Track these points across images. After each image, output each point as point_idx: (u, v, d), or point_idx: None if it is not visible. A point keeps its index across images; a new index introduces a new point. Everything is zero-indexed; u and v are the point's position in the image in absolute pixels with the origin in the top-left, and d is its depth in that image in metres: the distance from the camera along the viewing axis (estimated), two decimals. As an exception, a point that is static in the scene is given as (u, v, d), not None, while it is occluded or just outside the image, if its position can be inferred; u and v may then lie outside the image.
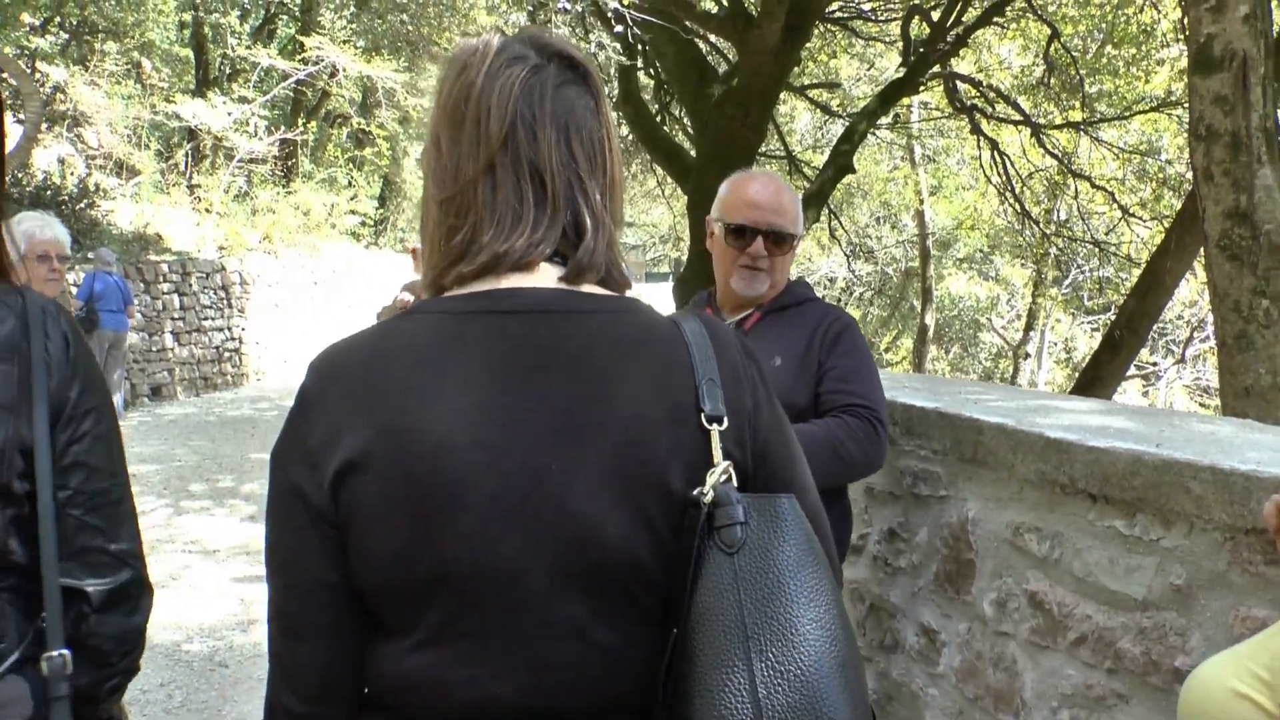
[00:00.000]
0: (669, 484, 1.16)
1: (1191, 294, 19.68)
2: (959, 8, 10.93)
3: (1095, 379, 9.89)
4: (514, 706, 1.15)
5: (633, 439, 1.16)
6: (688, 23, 9.91)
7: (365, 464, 1.14)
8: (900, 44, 11.95)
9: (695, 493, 1.15)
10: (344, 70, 20.33)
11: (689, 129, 12.37)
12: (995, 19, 11.57)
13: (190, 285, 16.09)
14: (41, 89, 15.85)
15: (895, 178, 23.58)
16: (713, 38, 11.85)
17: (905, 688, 2.98)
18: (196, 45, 22.34)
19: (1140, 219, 14.62)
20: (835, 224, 17.59)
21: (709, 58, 11.96)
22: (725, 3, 10.17)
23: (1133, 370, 16.92)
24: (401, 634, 1.17)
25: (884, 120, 14.36)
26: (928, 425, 2.86)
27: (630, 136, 12.52)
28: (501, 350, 1.18)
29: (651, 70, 12.45)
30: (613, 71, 11.53)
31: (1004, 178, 13.83)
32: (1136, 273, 12.28)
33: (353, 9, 21.31)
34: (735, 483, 1.17)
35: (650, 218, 30.60)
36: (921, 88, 12.62)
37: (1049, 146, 13.64)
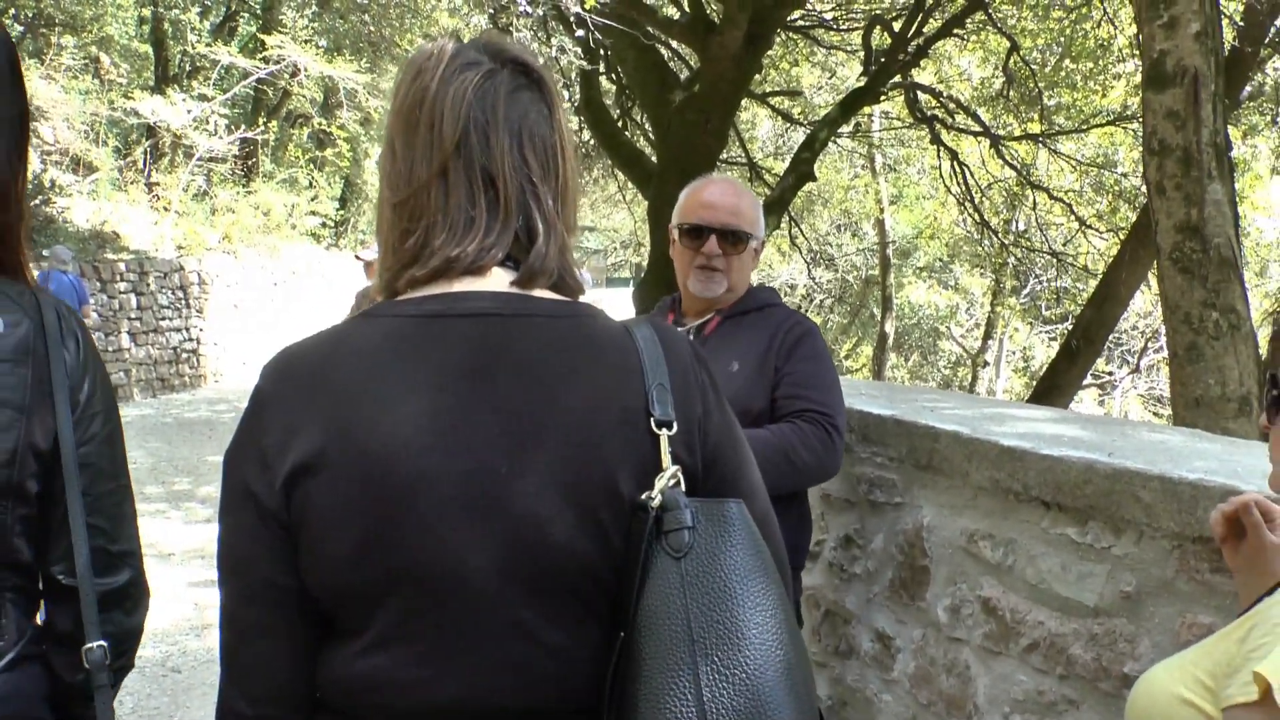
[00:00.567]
0: (618, 488, 1.17)
1: (1146, 305, 19.93)
2: (920, 19, 11.02)
3: (1052, 387, 10.01)
4: (464, 707, 1.16)
5: (583, 443, 1.17)
6: (649, 28, 9.93)
7: (318, 466, 1.14)
8: (861, 53, 12.02)
9: (643, 497, 1.16)
10: (305, 70, 20.16)
11: (650, 135, 12.39)
12: (955, 31, 11.66)
13: (148, 285, 15.90)
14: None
15: (856, 186, 23.71)
16: (674, 44, 11.87)
17: (860, 693, 3.00)
18: (156, 41, 22.06)
19: (1097, 230, 14.79)
20: (796, 231, 17.65)
21: (670, 64, 11.99)
22: (687, 9, 10.20)
23: (1089, 379, 17.14)
24: (353, 636, 1.18)
25: (845, 129, 14.45)
26: (884, 432, 2.89)
27: (591, 141, 12.52)
28: (454, 353, 1.18)
29: (613, 75, 12.46)
30: (574, 76, 11.53)
31: (964, 188, 13.94)
32: (1093, 283, 12.42)
33: (314, 9, 21.19)
34: (684, 487, 1.19)
35: (611, 223, 30.58)
36: (882, 97, 12.68)
37: (1008, 158, 13.77)
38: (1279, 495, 1.60)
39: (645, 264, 10.80)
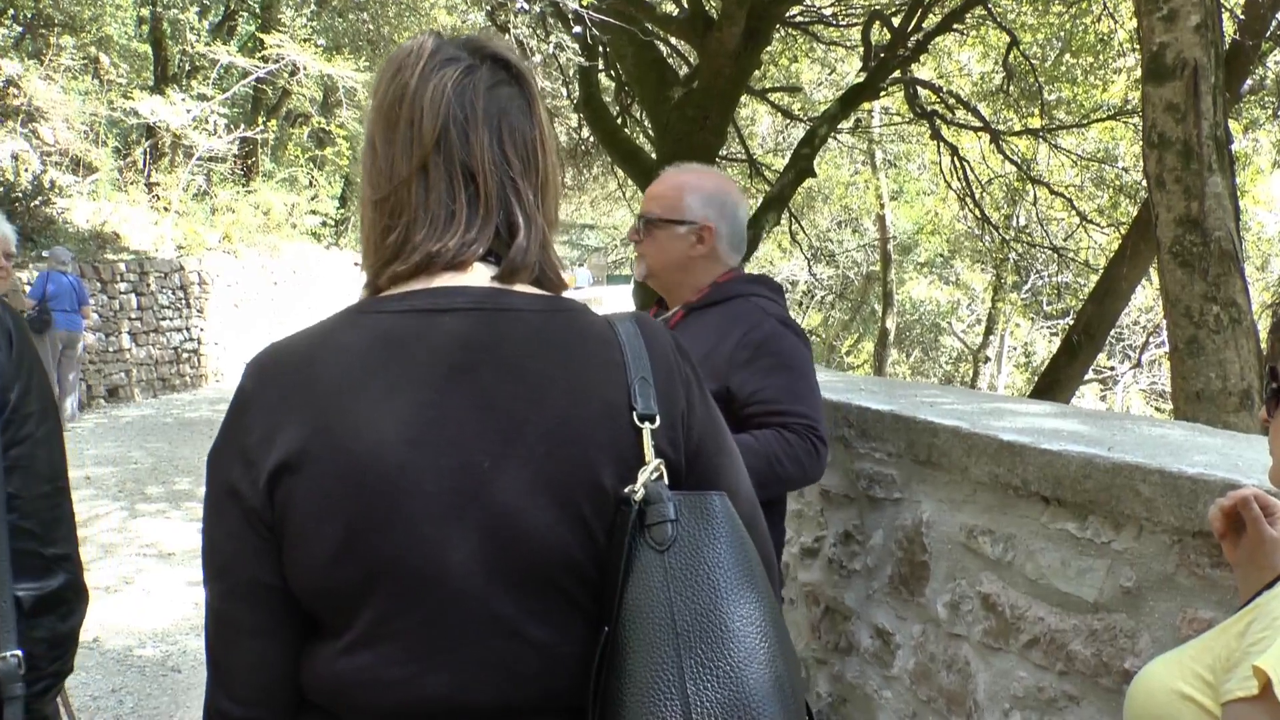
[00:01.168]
0: (601, 482, 1.17)
1: (1147, 300, 19.93)
2: (919, 14, 11.00)
3: (1054, 383, 10.00)
4: (449, 704, 1.15)
5: (565, 437, 1.17)
6: (648, 25, 9.92)
7: (300, 463, 1.14)
8: (861, 49, 12.00)
9: (626, 490, 1.16)
10: (304, 69, 20.15)
11: (649, 131, 12.38)
12: (955, 26, 11.64)
13: (148, 285, 15.88)
14: (-5, 84, 15.62)
15: (856, 182, 23.71)
16: (673, 40, 11.86)
17: (859, 690, 2.99)
18: (155, 41, 22.04)
19: (1098, 225, 14.78)
20: (796, 228, 17.65)
21: (669, 60, 11.97)
22: (685, 5, 10.18)
23: (1090, 374, 17.10)
24: (337, 634, 1.17)
25: (845, 125, 14.43)
26: (883, 428, 2.88)
27: (591, 138, 12.50)
28: (436, 349, 1.18)
29: (612, 72, 12.44)
30: (573, 73, 11.52)
31: (964, 183, 13.94)
32: (1094, 278, 12.41)
33: (313, 7, 21.16)
34: (667, 481, 1.18)
35: (611, 220, 30.60)
36: (882, 93, 12.69)
37: (1008, 153, 13.76)
38: (1279, 489, 1.59)
39: (645, 261, 10.76)
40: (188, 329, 17.06)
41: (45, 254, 12.88)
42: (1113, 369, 22.65)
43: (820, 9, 13.50)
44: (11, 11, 18.07)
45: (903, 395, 3.17)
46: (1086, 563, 2.12)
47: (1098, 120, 13.56)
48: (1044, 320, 24.42)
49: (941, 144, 13.39)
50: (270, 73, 20.60)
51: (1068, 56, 13.29)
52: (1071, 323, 11.48)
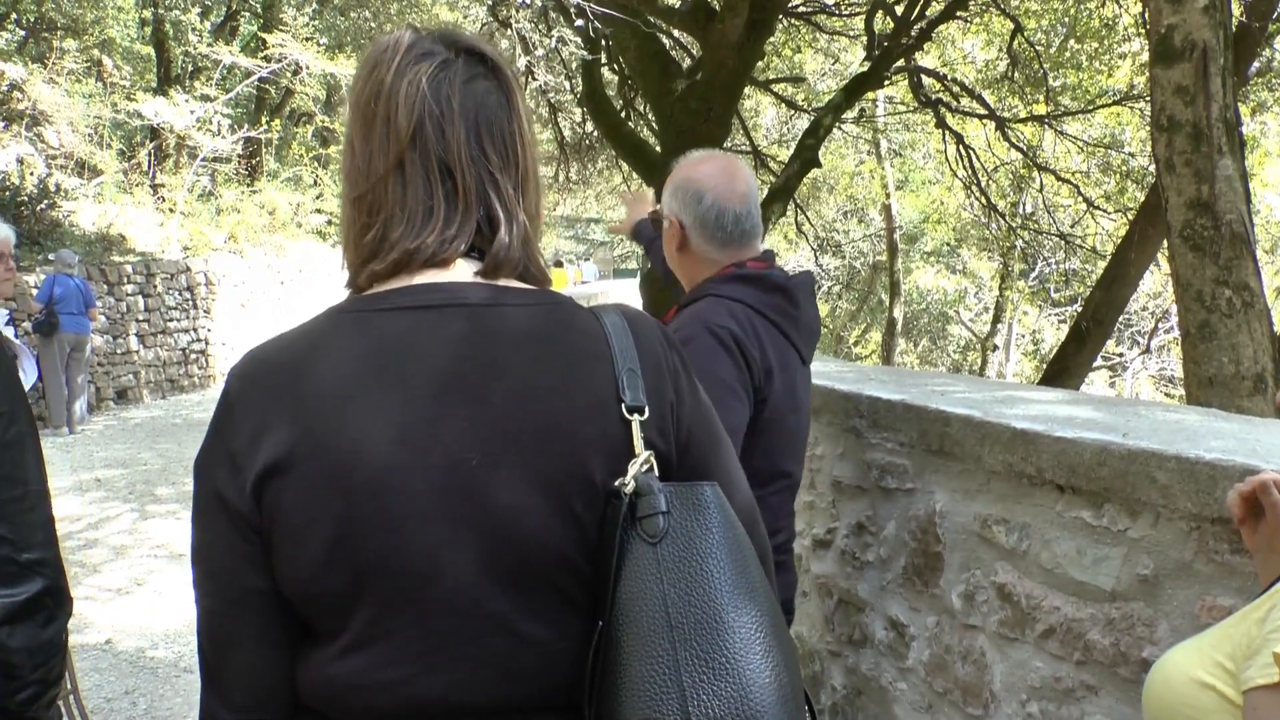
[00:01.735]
0: (591, 475, 1.16)
1: (1156, 285, 19.86)
2: (922, 2, 10.95)
3: (1062, 370, 9.96)
4: (446, 704, 1.15)
5: (554, 432, 1.16)
6: (650, 17, 9.88)
7: (287, 466, 1.13)
8: (864, 38, 11.95)
9: (617, 483, 1.15)
10: (307, 68, 20.14)
11: (653, 124, 12.34)
12: (959, 13, 11.59)
13: (155, 286, 15.90)
14: (-2, 88, 15.63)
15: (861, 172, 23.66)
16: (676, 32, 11.82)
17: (874, 682, 2.98)
18: (157, 42, 22.06)
19: (1105, 211, 14.71)
20: (802, 218, 17.61)
21: (672, 52, 11.94)
22: (688, -3, 10.14)
23: (1099, 361, 17.07)
24: (330, 638, 1.17)
25: (849, 114, 14.38)
26: (894, 417, 2.86)
27: (594, 132, 12.46)
28: (421, 347, 1.17)
29: (615, 65, 12.41)
30: (575, 67, 11.49)
31: (970, 171, 13.88)
32: (1102, 265, 12.36)
33: (315, 6, 21.15)
34: (657, 472, 1.18)
35: (617, 214, 30.54)
36: (886, 82, 12.62)
37: (1014, 140, 13.69)
38: None
39: (651, 255, 10.74)
40: (195, 330, 17.08)
41: (51, 257, 12.89)
42: (1121, 355, 22.59)
43: (823, -1, 13.45)
44: (14, 16, 18.08)
45: (914, 384, 3.15)
46: (1103, 551, 2.10)
47: (1103, 105, 13.48)
48: (1052, 307, 24.36)
49: (947, 132, 13.34)
50: (273, 72, 20.60)
51: (1072, 42, 13.22)
52: (1079, 309, 11.44)
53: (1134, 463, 1.99)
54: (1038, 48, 12.67)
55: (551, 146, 15.71)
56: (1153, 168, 13.27)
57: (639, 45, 10.05)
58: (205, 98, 19.82)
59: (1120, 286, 9.69)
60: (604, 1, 8.94)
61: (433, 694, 1.14)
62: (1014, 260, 21.06)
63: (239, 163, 21.76)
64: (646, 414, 1.19)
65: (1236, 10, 7.31)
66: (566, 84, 13.86)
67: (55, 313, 11.96)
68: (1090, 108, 13.64)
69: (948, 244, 25.83)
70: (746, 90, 12.54)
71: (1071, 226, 17.10)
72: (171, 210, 18.40)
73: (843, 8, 13.53)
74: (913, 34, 10.95)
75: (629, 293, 23.60)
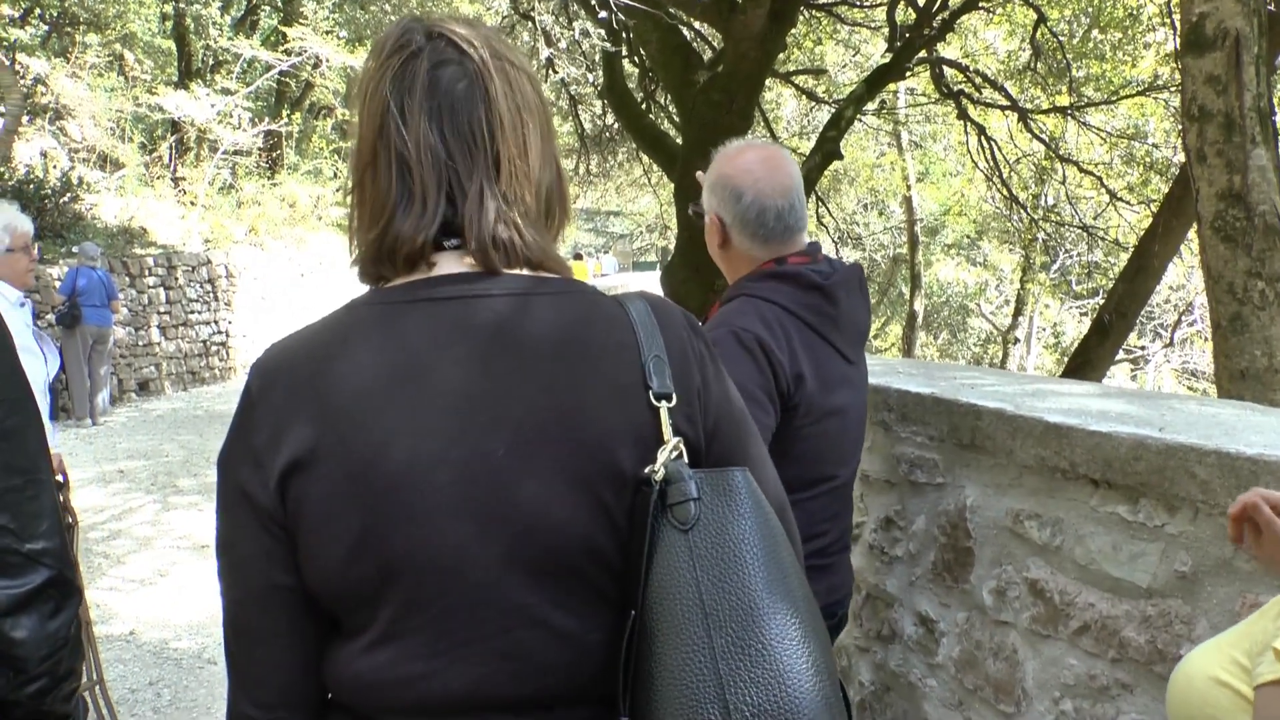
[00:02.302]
0: (619, 464, 1.14)
1: (1179, 278, 19.72)
2: (944, -8, 10.88)
3: (1084, 363, 9.89)
4: (474, 698, 1.13)
5: (580, 421, 1.14)
6: (672, 9, 9.84)
7: (311, 461, 1.12)
8: (886, 29, 11.88)
9: (646, 471, 1.13)
10: (327, 61, 20.22)
11: (674, 117, 12.31)
12: (981, 4, 11.51)
13: (176, 279, 15.98)
14: (21, 81, 15.71)
15: (882, 164, 23.58)
16: (697, 24, 11.78)
17: (903, 678, 2.95)
18: (178, 36, 22.16)
19: (1128, 203, 14.60)
20: (823, 211, 17.56)
21: (694, 44, 11.89)
22: (710, -11, 10.09)
23: (1121, 354, 16.95)
24: (357, 633, 1.16)
25: (870, 106, 14.30)
26: (924, 411, 2.83)
27: (615, 124, 12.44)
28: (444, 339, 1.16)
29: (636, 58, 12.38)
30: (597, 59, 11.46)
31: (991, 163, 13.79)
32: (1125, 257, 12.28)
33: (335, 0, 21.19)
34: (686, 459, 1.16)
35: (637, 206, 30.57)
36: (908, 73, 12.55)
37: (1036, 131, 13.59)
38: None
39: (672, 247, 10.74)
40: (216, 322, 17.17)
41: (75, 250, 12.96)
42: (1143, 348, 22.44)
43: (845, -10, 13.37)
44: (38, 11, 18.17)
45: (942, 377, 3.11)
46: (1139, 547, 2.07)
47: (1127, 96, 13.38)
48: (1073, 300, 24.23)
49: (968, 124, 13.25)
50: (293, 66, 20.68)
51: (1096, 32, 13.13)
52: (1102, 302, 11.35)
53: (1172, 457, 1.96)
54: (1060, 38, 12.57)
55: (572, 139, 15.70)
56: (1176, 159, 13.19)
57: (661, 37, 10.01)
58: (226, 91, 19.91)
59: (1144, 279, 9.62)
60: (625, -7, 8.91)
61: (461, 687, 1.13)
62: (1035, 253, 20.96)
63: (259, 156, 21.85)
64: (674, 401, 1.18)
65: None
66: (588, 76, 13.82)
67: (79, 305, 12.03)
68: (1114, 99, 13.54)
69: (969, 236, 25.74)
70: (767, 82, 12.49)
71: (1094, 218, 16.99)
72: (192, 203, 18.49)
73: (864, -1, 13.47)
74: (935, 25, 10.88)
75: (649, 285, 23.60)
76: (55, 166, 15.99)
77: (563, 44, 11.37)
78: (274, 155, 22.69)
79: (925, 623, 2.83)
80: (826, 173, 13.76)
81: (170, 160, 19.74)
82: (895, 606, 3.00)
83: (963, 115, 13.02)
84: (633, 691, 1.10)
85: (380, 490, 1.11)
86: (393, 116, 1.19)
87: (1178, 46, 4.60)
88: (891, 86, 14.51)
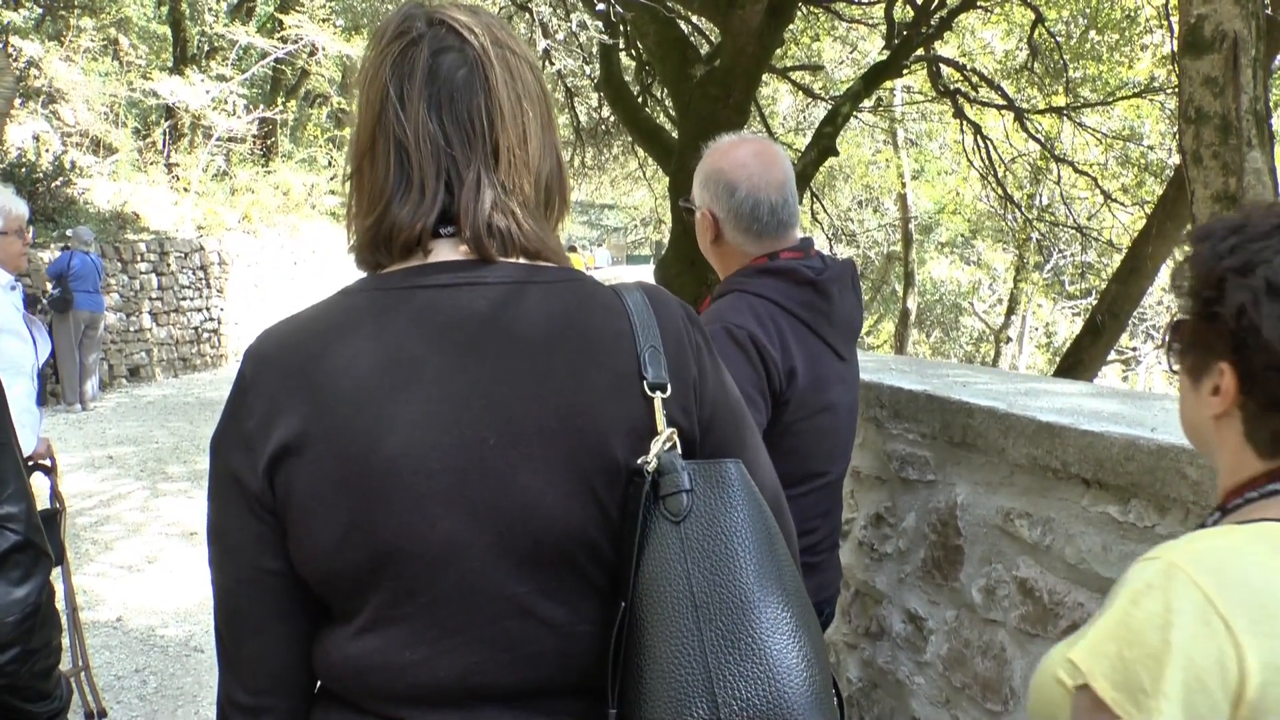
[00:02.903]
0: (612, 454, 1.14)
1: (1171, 279, 19.71)
2: (943, -9, 10.87)
3: (1076, 363, 9.91)
4: (463, 686, 1.13)
5: (573, 410, 1.14)
6: (669, 3, 9.83)
7: (301, 447, 1.12)
8: (883, 27, 11.87)
9: (639, 461, 1.13)
10: (323, 49, 20.17)
11: (671, 110, 12.29)
12: (979, 3, 11.51)
13: (168, 265, 15.93)
14: (14, 64, 15.63)
15: (878, 161, 23.56)
16: (695, 18, 11.76)
17: (891, 675, 2.95)
18: (174, 22, 22.05)
19: (1122, 204, 14.60)
20: (817, 207, 17.55)
21: (691, 38, 11.87)
22: (708, -17, 10.07)
23: (1113, 355, 16.98)
24: (347, 619, 1.16)
25: (867, 103, 14.29)
26: (916, 408, 2.82)
27: (611, 117, 12.42)
28: (437, 326, 1.15)
29: (633, 51, 12.35)
30: (594, 52, 11.44)
31: (986, 162, 13.79)
32: (1118, 258, 12.29)
33: (332, -13, 21.13)
34: (680, 450, 1.15)
35: (631, 199, 30.52)
36: (905, 71, 12.54)
37: (1032, 131, 13.60)
38: None
39: (666, 241, 10.73)
40: (208, 309, 17.12)
41: (69, 233, 12.91)
42: (1134, 349, 22.49)
43: (843, -14, 13.36)
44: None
45: (934, 375, 3.11)
46: (1129, 547, 2.07)
47: (1123, 98, 13.39)
48: (1066, 300, 24.25)
49: (964, 122, 13.24)
50: (289, 53, 20.62)
51: (1093, 33, 13.13)
52: (1095, 302, 11.37)
53: (1164, 458, 1.96)
54: (1058, 38, 12.57)
55: (567, 132, 15.68)
56: (1171, 161, 13.18)
57: (658, 30, 9.99)
58: (221, 78, 19.84)
59: (1137, 280, 9.64)
60: (624, -14, 8.90)
61: (450, 676, 1.13)
62: (1029, 252, 20.96)
63: (254, 143, 21.77)
64: (669, 391, 1.17)
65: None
66: (584, 69, 13.80)
67: (70, 290, 11.99)
68: (1110, 100, 13.55)
69: (963, 235, 25.73)
70: (764, 78, 12.47)
71: (1088, 219, 17.01)
72: (186, 189, 18.43)
73: (862, -5, 13.45)
74: (932, 23, 10.88)
75: (642, 278, 23.58)
76: (48, 150, 15.92)
77: (560, 36, 11.35)
78: (268, 143, 22.62)
79: (914, 620, 2.83)
80: (822, 169, 13.75)
81: (164, 146, 19.67)
82: (884, 603, 3.00)
83: (959, 114, 13.02)
84: (622, 684, 1.10)
85: (371, 477, 1.10)
86: (392, 103, 1.19)
87: (1175, 48, 4.60)
88: (888, 84, 14.51)
